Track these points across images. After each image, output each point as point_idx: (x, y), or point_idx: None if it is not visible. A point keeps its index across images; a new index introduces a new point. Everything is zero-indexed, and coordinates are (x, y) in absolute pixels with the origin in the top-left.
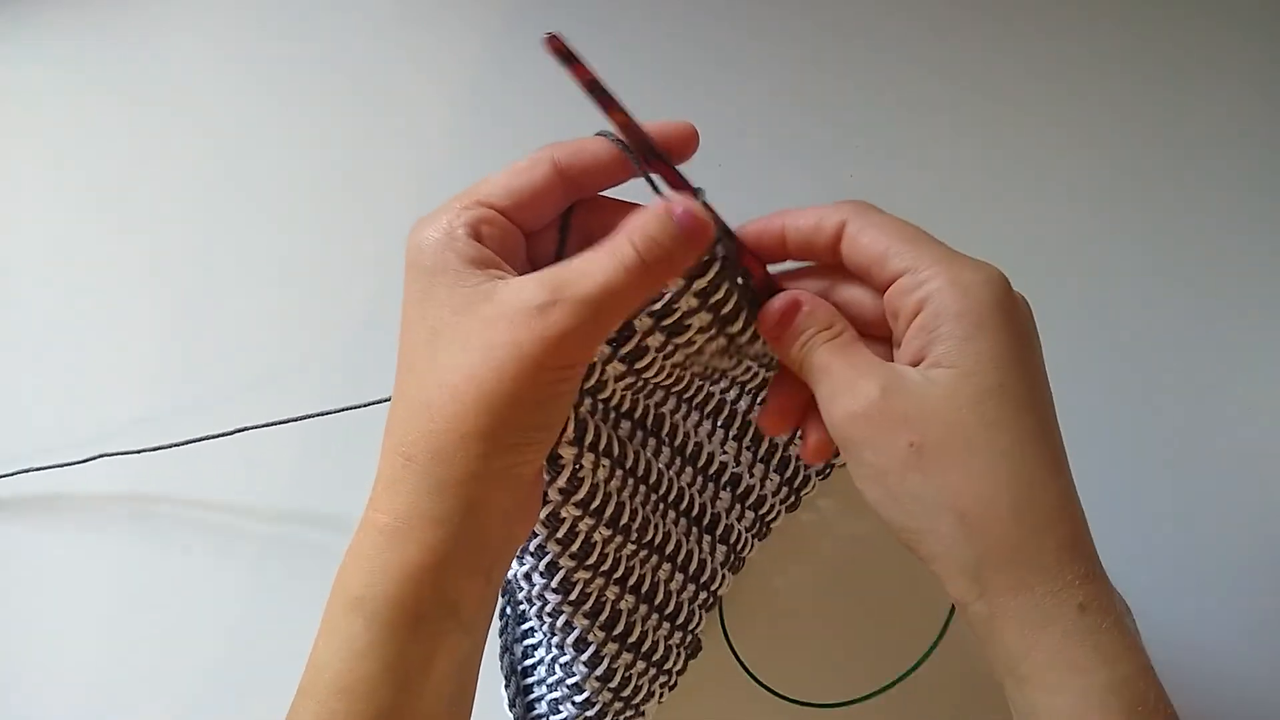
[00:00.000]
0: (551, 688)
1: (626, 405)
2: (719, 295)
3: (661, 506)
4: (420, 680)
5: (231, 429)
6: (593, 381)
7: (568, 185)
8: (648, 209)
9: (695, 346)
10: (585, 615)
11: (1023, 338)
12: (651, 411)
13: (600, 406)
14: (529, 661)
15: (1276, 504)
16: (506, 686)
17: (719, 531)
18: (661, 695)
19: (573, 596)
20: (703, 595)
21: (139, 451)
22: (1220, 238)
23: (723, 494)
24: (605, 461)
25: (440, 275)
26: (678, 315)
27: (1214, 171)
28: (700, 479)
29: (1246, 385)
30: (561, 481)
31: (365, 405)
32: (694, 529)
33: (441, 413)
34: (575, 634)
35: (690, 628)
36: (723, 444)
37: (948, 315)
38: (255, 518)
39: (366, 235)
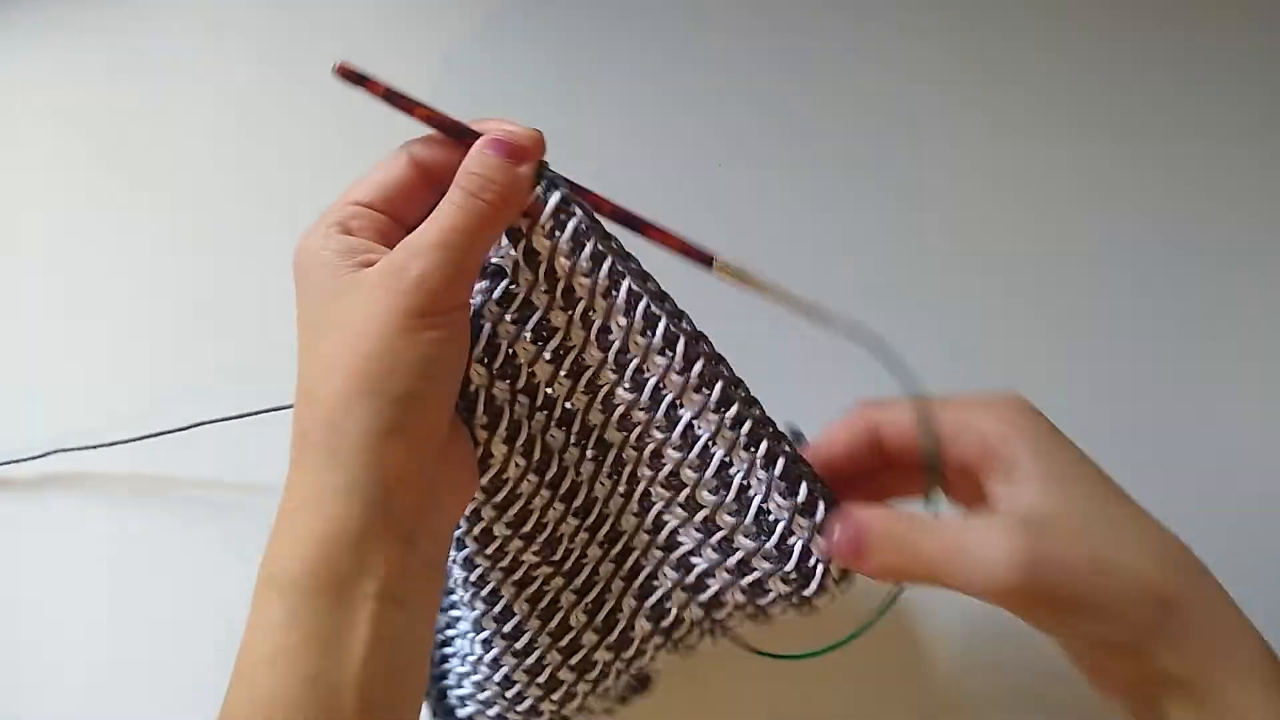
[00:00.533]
0: (456, 662)
1: (559, 411)
2: (564, 231)
3: (584, 535)
4: (344, 648)
5: (234, 414)
6: (500, 362)
7: (427, 175)
8: (473, 147)
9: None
10: (481, 600)
11: (1067, 440)
12: (596, 433)
13: (525, 401)
14: (450, 632)
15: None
16: None
17: (640, 587)
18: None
19: (472, 577)
20: (618, 660)
21: (143, 438)
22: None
23: (655, 553)
24: (518, 460)
25: (315, 273)
26: (540, 256)
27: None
28: (638, 531)
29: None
30: (484, 480)
31: None
32: (615, 578)
33: (326, 387)
34: (502, 603)
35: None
36: (667, 506)
37: (1014, 442)
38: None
39: None
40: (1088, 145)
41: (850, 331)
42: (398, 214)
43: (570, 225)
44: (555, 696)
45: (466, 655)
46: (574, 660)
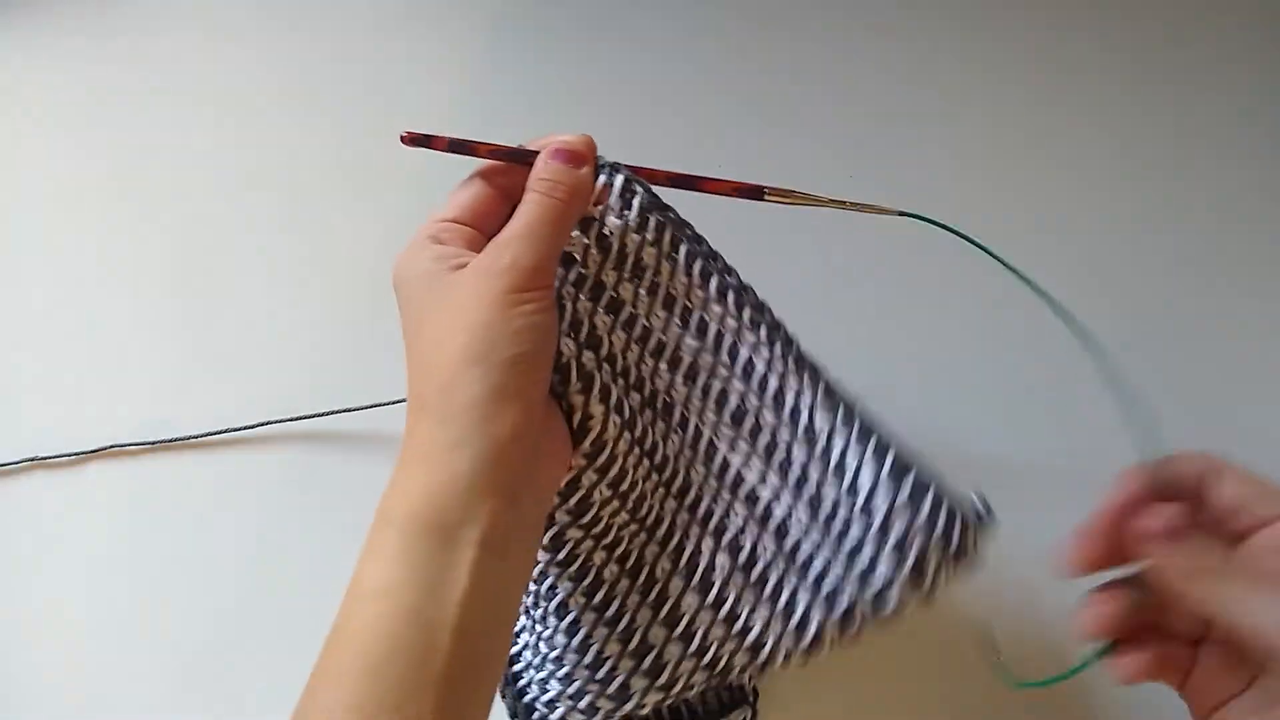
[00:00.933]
0: (537, 668)
1: (634, 375)
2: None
3: (662, 490)
4: (446, 588)
5: (254, 422)
6: (584, 334)
7: (500, 191)
8: (537, 161)
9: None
10: (570, 578)
11: None
12: (663, 395)
13: (609, 368)
14: (514, 649)
15: None
16: None
17: (727, 540)
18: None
19: (561, 556)
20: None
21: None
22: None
23: (724, 496)
24: (615, 418)
25: (417, 280)
26: (610, 237)
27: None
28: (707, 479)
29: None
30: (586, 444)
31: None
32: (696, 527)
33: (438, 359)
34: (558, 598)
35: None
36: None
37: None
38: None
39: (367, 233)
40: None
41: (899, 211)
42: (479, 225)
43: (636, 202)
44: (647, 663)
45: (547, 655)
46: (663, 613)
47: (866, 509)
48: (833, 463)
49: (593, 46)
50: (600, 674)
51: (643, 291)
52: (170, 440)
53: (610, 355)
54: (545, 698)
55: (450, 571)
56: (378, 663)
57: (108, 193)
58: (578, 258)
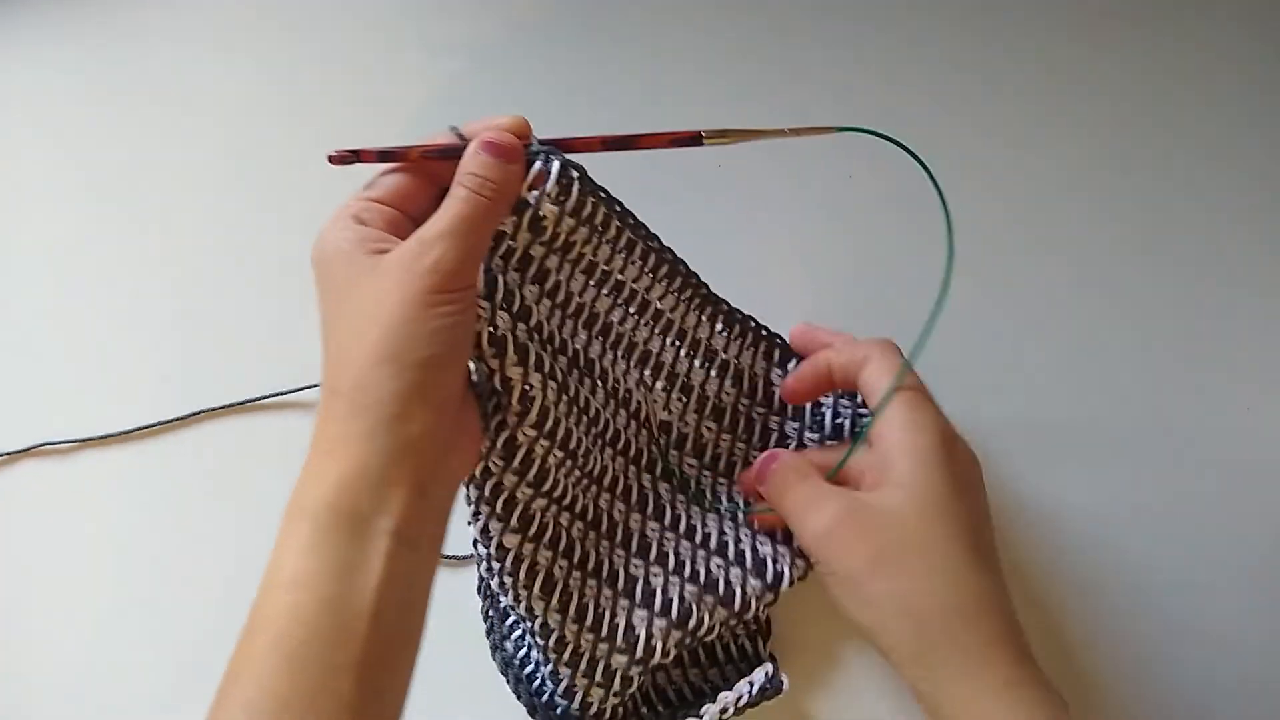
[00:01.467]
0: (542, 662)
1: (558, 339)
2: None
3: (600, 443)
4: (361, 576)
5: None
6: (516, 307)
7: (430, 175)
8: (467, 149)
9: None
10: (547, 546)
11: (959, 474)
12: (583, 354)
13: (538, 337)
14: (521, 652)
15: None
16: (507, 682)
17: (648, 462)
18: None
19: (532, 530)
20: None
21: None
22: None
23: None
24: (552, 384)
25: (335, 259)
26: (546, 220)
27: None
28: (640, 430)
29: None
30: (514, 404)
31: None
32: (633, 468)
33: (354, 350)
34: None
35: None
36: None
37: (901, 451)
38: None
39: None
40: (1094, 143)
41: (842, 129)
42: (404, 206)
43: (574, 189)
44: (608, 622)
45: (535, 652)
46: (634, 547)
47: None
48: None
49: (598, 41)
50: (603, 632)
51: (568, 263)
52: (102, 436)
53: (538, 325)
54: (560, 688)
55: (364, 560)
56: (295, 648)
57: (116, 187)
58: (508, 232)
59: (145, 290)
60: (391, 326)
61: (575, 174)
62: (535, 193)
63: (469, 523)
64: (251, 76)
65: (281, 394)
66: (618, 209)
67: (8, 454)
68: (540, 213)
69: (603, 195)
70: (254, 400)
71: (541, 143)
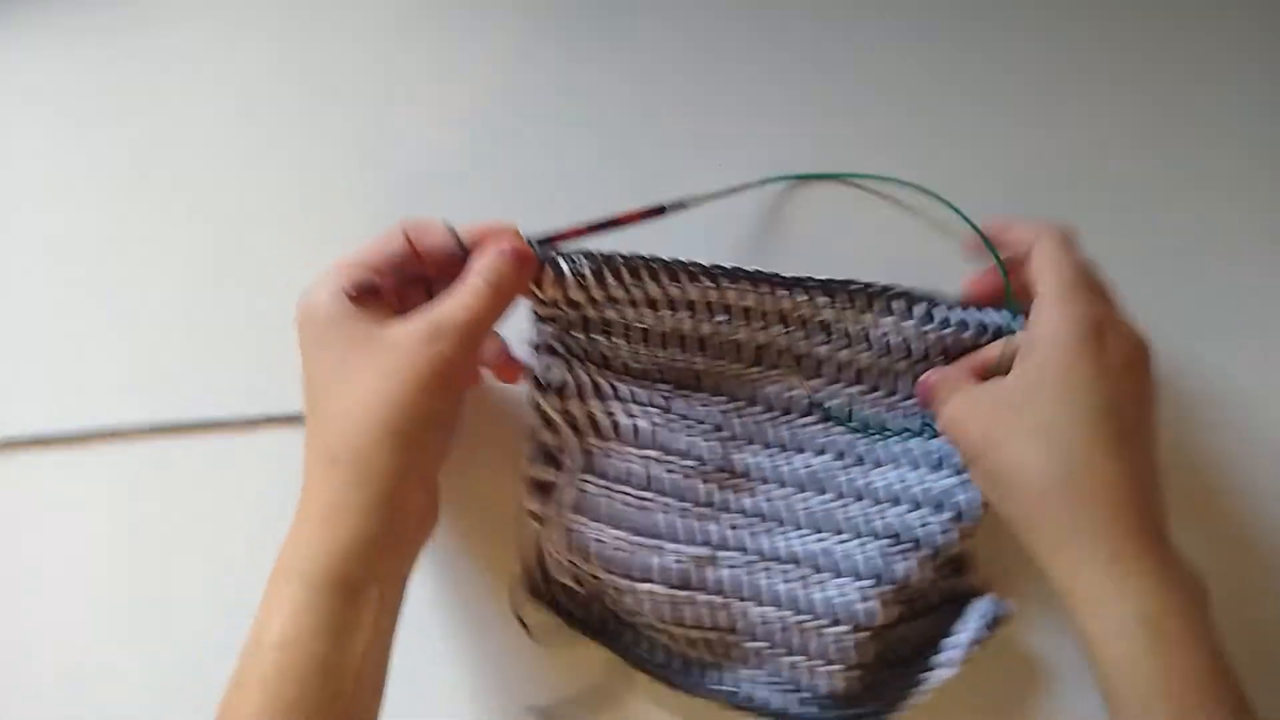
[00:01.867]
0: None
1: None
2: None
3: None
4: (350, 639)
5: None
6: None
7: (419, 254)
8: (488, 252)
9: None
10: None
11: (1098, 356)
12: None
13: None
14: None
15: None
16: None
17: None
18: None
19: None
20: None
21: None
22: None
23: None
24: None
25: (332, 323)
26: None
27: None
28: None
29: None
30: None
31: None
32: (783, 457)
33: (359, 421)
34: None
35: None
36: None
37: (1040, 338)
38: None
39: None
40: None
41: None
42: (391, 276)
43: (588, 273)
44: None
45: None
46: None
47: None
48: None
49: (601, 44)
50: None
51: (624, 309)
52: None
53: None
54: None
55: (356, 624)
56: (288, 707)
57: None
58: (557, 314)
59: (151, 286)
60: (400, 404)
61: (582, 259)
62: (553, 294)
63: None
64: (262, 69)
65: (274, 418)
66: (633, 261)
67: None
68: (573, 297)
69: (612, 256)
70: (248, 419)
71: (540, 242)
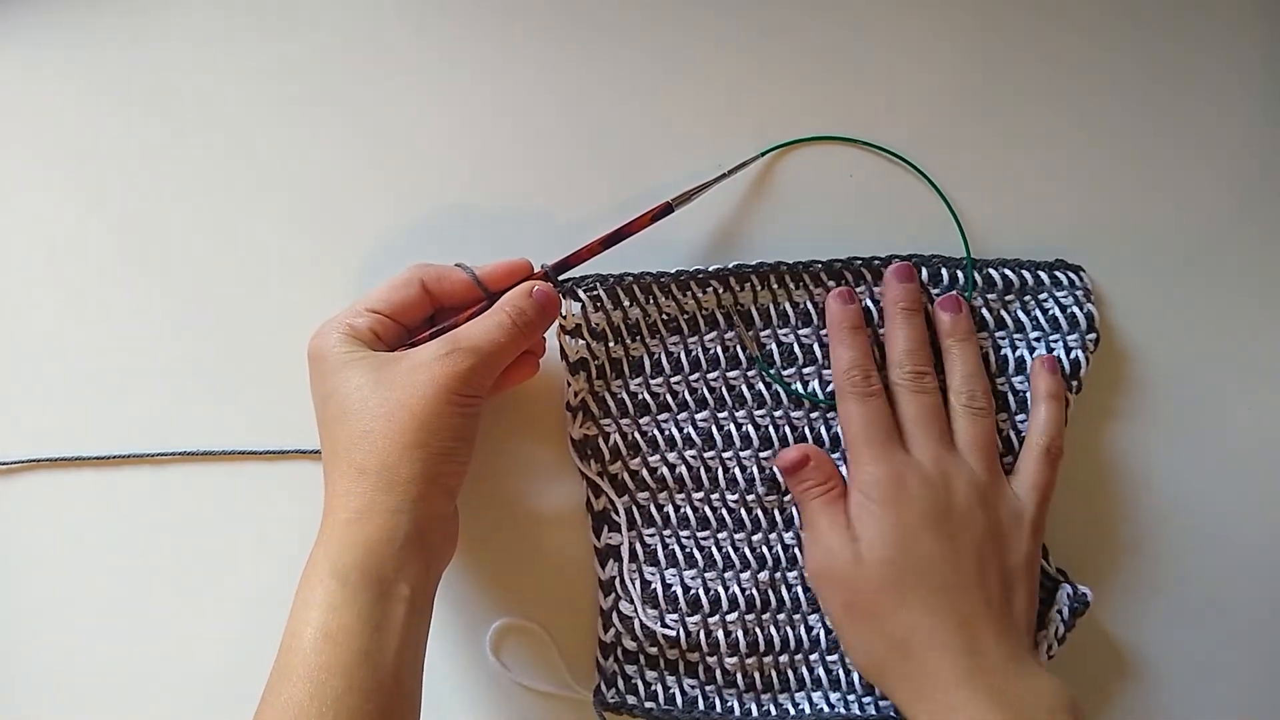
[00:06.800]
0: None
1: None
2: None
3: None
4: (388, 632)
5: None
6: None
7: (432, 298)
8: (518, 288)
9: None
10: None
11: (907, 519)
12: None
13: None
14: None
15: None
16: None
17: None
18: None
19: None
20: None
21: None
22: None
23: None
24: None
25: (349, 358)
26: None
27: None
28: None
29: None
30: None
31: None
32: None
33: (384, 434)
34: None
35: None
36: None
37: (855, 501)
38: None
39: (366, 237)
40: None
41: (761, 152)
42: (404, 322)
43: (604, 304)
44: None
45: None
46: None
47: None
48: None
49: (601, 42)
50: None
51: (647, 337)
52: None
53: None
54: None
55: (388, 620)
56: (334, 698)
57: (113, 193)
58: (584, 355)
59: (165, 312)
60: (424, 417)
61: (597, 288)
62: (575, 337)
63: None
64: (258, 75)
65: (285, 451)
66: (646, 282)
67: (8, 464)
68: (597, 328)
69: (623, 280)
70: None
71: (552, 267)
